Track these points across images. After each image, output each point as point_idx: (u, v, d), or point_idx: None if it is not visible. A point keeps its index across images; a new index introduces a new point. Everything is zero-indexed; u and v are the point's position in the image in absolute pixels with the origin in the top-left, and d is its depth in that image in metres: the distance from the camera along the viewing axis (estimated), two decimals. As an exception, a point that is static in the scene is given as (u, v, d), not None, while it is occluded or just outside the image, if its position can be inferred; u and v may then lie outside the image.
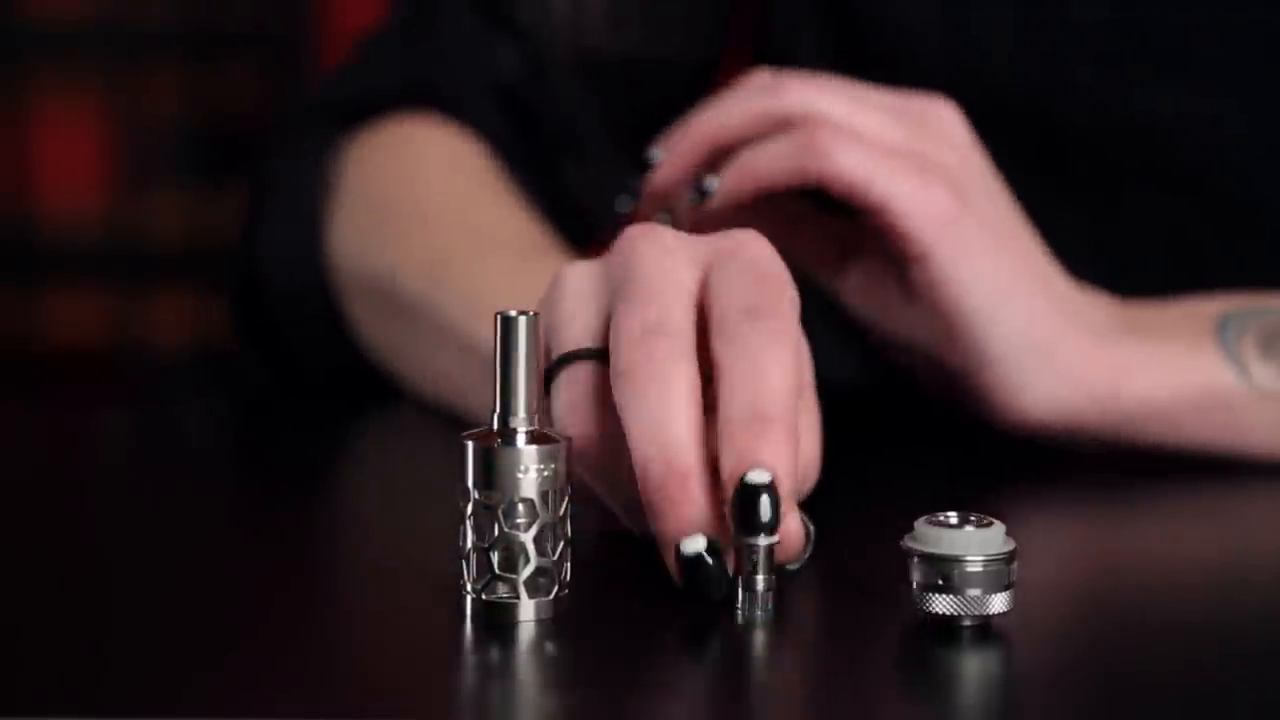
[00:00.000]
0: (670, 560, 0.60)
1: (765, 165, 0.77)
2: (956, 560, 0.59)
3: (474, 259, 0.86)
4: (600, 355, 0.64)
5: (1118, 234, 0.94)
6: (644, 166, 0.81)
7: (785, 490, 0.59)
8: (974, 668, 0.59)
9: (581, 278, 0.67)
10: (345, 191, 0.94)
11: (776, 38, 0.99)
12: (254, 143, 2.34)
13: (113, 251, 2.34)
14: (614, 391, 0.62)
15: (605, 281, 0.66)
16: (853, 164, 0.76)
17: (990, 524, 0.60)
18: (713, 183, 0.78)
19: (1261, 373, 0.79)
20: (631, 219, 0.80)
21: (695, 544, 0.59)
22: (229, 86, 2.34)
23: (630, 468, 0.62)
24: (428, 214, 0.91)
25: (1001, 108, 0.93)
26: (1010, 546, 0.60)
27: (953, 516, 0.60)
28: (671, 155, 0.80)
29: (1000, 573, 0.59)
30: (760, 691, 0.58)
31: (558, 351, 0.65)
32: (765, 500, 0.59)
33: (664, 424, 0.61)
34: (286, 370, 0.97)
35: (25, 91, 2.33)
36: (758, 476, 0.59)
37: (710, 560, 0.59)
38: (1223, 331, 0.80)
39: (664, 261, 0.64)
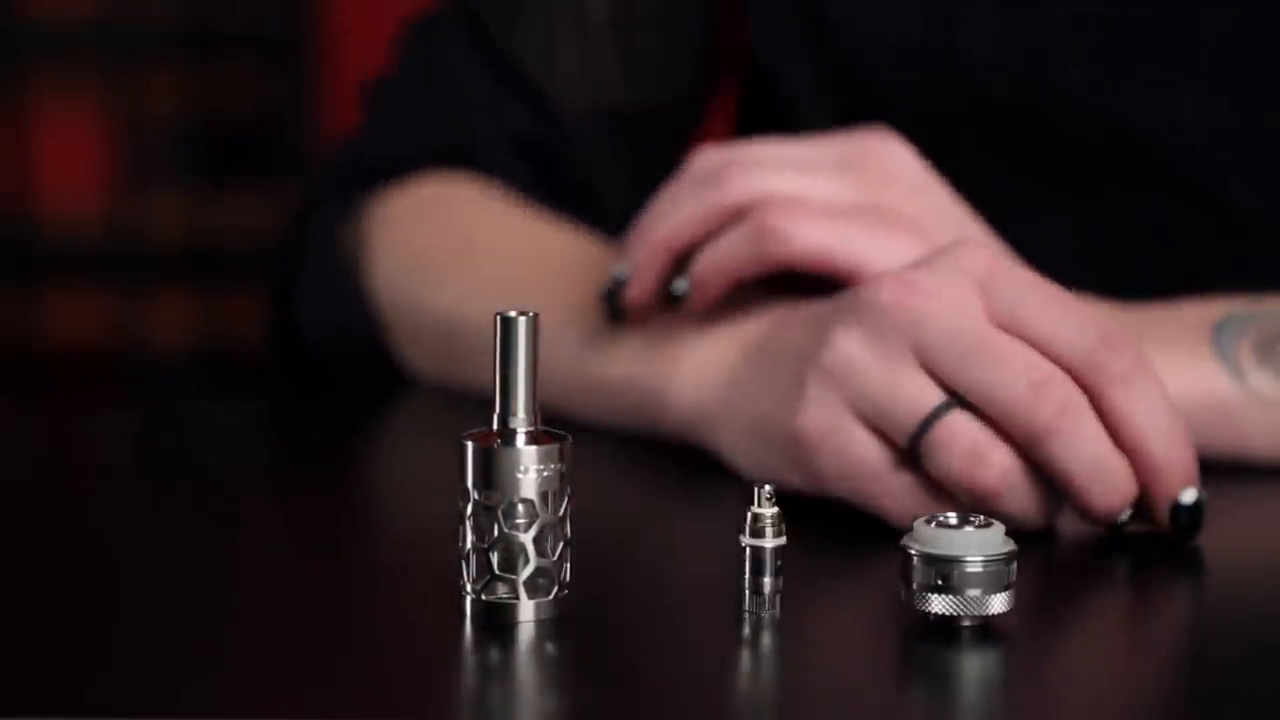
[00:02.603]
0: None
1: (728, 261, 0.77)
2: (956, 560, 0.59)
3: (544, 287, 0.86)
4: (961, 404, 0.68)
5: (1105, 235, 0.94)
6: (616, 284, 0.80)
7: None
8: (974, 668, 0.59)
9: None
10: (380, 246, 0.94)
11: (757, 46, 0.99)
12: (254, 143, 2.35)
13: (113, 251, 2.34)
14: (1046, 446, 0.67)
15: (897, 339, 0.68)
16: (811, 240, 0.76)
17: (990, 524, 0.60)
18: (681, 285, 0.78)
19: (1259, 378, 0.79)
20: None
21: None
22: (229, 86, 2.34)
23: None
24: (481, 250, 0.91)
25: (987, 109, 0.92)
26: (1010, 547, 0.60)
27: (953, 516, 0.60)
28: (636, 273, 0.79)
29: (1000, 573, 0.59)
30: (761, 691, 0.58)
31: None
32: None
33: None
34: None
35: (25, 91, 2.33)
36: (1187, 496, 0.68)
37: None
38: (1219, 337, 0.79)
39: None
